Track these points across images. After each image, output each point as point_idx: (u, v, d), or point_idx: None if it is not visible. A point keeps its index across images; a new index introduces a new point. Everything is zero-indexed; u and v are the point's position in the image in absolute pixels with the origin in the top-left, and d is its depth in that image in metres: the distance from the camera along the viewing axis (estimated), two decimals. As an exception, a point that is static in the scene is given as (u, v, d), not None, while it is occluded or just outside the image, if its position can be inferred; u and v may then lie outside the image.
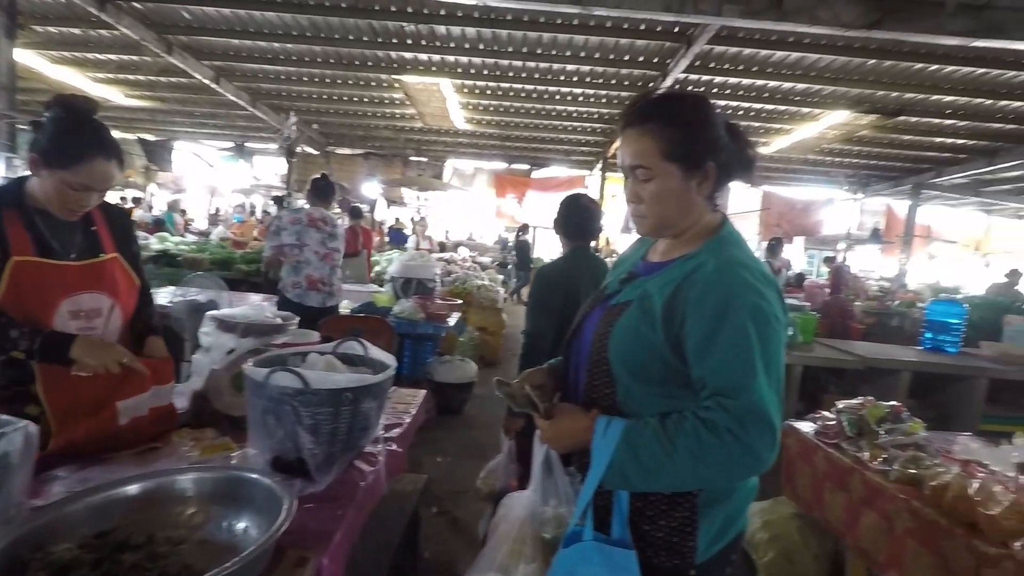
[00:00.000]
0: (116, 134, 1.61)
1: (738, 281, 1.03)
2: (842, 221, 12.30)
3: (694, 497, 1.08)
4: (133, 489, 1.16)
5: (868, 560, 1.84)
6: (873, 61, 5.74)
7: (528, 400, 1.18)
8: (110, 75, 8.31)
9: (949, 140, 8.43)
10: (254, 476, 1.22)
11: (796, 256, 13.76)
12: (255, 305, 1.98)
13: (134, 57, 7.30)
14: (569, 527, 1.12)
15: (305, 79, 7.94)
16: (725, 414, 0.97)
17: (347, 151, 12.70)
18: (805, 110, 7.45)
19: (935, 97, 6.60)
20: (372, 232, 9.49)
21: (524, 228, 12.31)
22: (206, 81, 7.64)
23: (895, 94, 6.61)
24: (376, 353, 1.74)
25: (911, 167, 10.49)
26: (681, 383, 1.07)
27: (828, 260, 11.58)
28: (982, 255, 14.23)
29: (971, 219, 14.11)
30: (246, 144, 12.39)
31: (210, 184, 15.19)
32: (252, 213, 14.93)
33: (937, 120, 7.44)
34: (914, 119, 7.45)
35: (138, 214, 11.55)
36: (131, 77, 8.31)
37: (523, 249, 11.97)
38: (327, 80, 7.91)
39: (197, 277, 3.34)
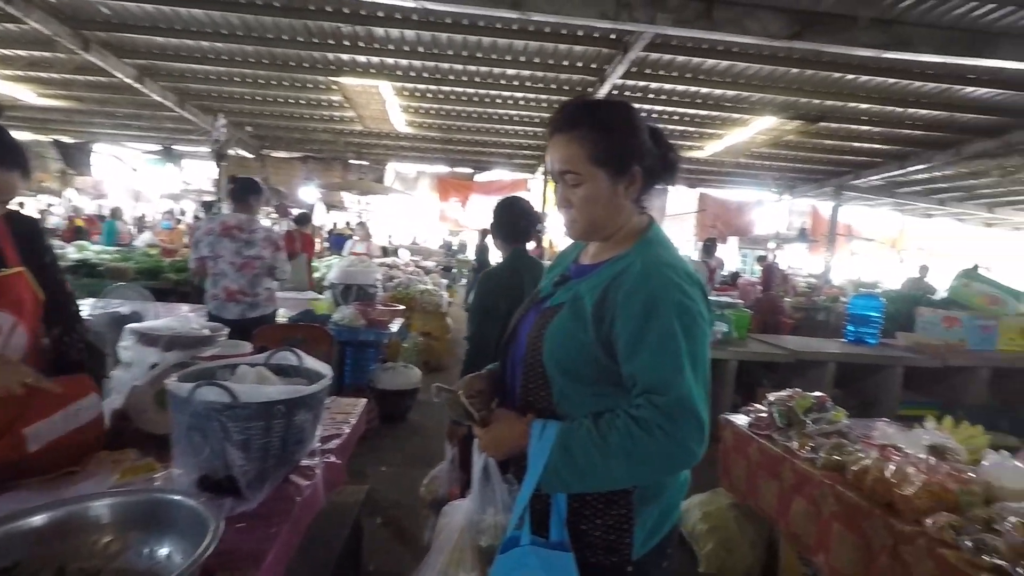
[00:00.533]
0: (28, 136, 1.51)
1: (664, 280, 1.06)
2: (772, 221, 12.91)
3: (629, 495, 1.10)
4: (40, 519, 1.08)
5: (799, 544, 1.93)
6: (796, 70, 6.05)
7: (463, 409, 1.18)
8: (20, 72, 7.73)
9: (866, 145, 8.99)
10: (177, 498, 1.16)
11: (730, 255, 14.33)
12: (180, 317, 1.88)
13: (46, 53, 6.80)
14: (507, 533, 1.12)
15: (237, 79, 7.64)
16: (655, 411, 1.00)
17: (284, 154, 12.30)
18: (736, 116, 7.76)
19: (852, 104, 7.02)
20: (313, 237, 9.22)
21: (485, 232, 12.28)
22: (128, 80, 7.23)
23: (816, 101, 6.98)
24: (311, 363, 1.68)
25: (832, 170, 11.13)
26: (613, 381, 1.09)
27: (760, 259, 12.12)
28: (897, 252, 15.28)
29: (887, 218, 15.11)
30: (174, 147, 11.80)
31: (134, 189, 14.38)
32: (180, 220, 14.22)
33: (855, 126, 7.92)
34: (834, 125, 7.90)
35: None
36: (44, 75, 7.75)
37: (484, 253, 11.92)
38: (261, 81, 7.64)
39: (119, 288, 3.15)
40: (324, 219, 13.69)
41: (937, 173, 10.21)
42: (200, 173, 13.63)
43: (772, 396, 2.25)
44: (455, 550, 1.16)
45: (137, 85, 7.40)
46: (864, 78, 6.15)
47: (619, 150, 1.12)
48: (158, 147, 11.90)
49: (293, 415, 1.39)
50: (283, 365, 1.67)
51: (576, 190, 1.14)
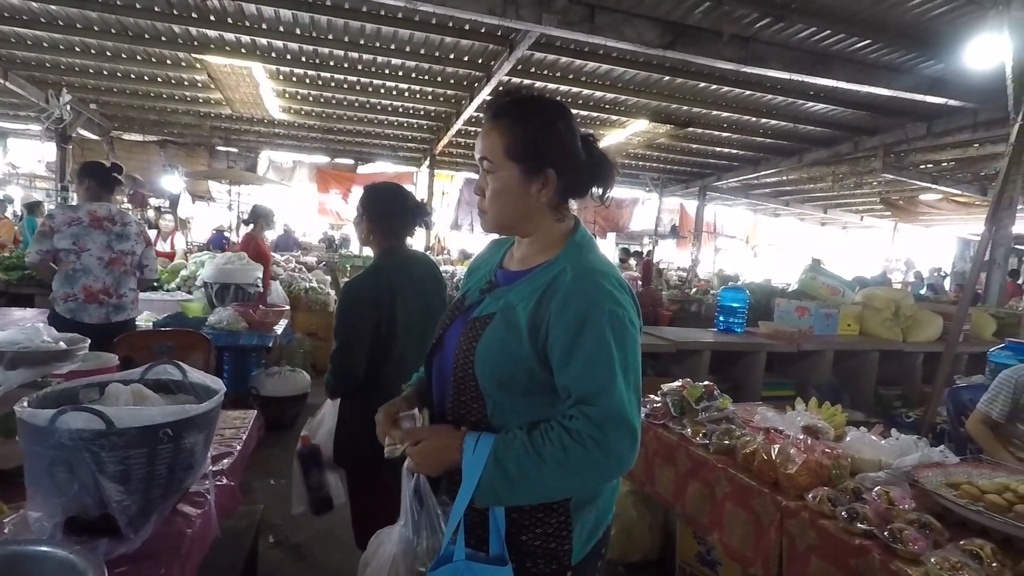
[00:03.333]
0: None
1: (595, 289, 1.05)
2: (647, 218, 13.80)
3: (567, 502, 1.10)
4: None
5: (695, 525, 2.08)
6: (668, 78, 6.51)
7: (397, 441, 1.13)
8: None
9: (726, 150, 9.91)
10: (40, 549, 0.98)
11: (609, 251, 15.12)
12: (28, 328, 1.58)
13: None
14: (440, 550, 1.08)
15: (78, 49, 6.68)
16: (587, 421, 1.00)
17: (137, 137, 10.99)
18: (614, 118, 8.19)
19: (715, 112, 7.70)
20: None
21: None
22: (-71, 42, 6.07)
23: (685, 108, 7.57)
24: (197, 376, 1.50)
25: (698, 172, 12.14)
26: (547, 390, 1.08)
27: (636, 254, 12.90)
28: (751, 247, 17.04)
29: (743, 217, 16.81)
30: (-5, 124, 10.10)
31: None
32: (7, 209, 12.16)
33: (717, 132, 8.70)
34: (700, 130, 8.62)
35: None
36: None
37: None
38: (108, 53, 6.74)
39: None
40: (190, 210, 12.42)
41: (783, 177, 11.51)
42: (28, 155, 11.75)
43: (666, 387, 2.39)
44: (389, 578, 1.10)
45: (-58, 48, 6.23)
46: (725, 89, 6.77)
47: (534, 148, 1.09)
48: (-29, 122, 10.11)
49: (182, 438, 1.23)
50: (163, 380, 1.48)
51: (489, 179, 1.13)
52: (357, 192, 12.18)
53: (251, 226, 5.67)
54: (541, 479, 1.01)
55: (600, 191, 1.18)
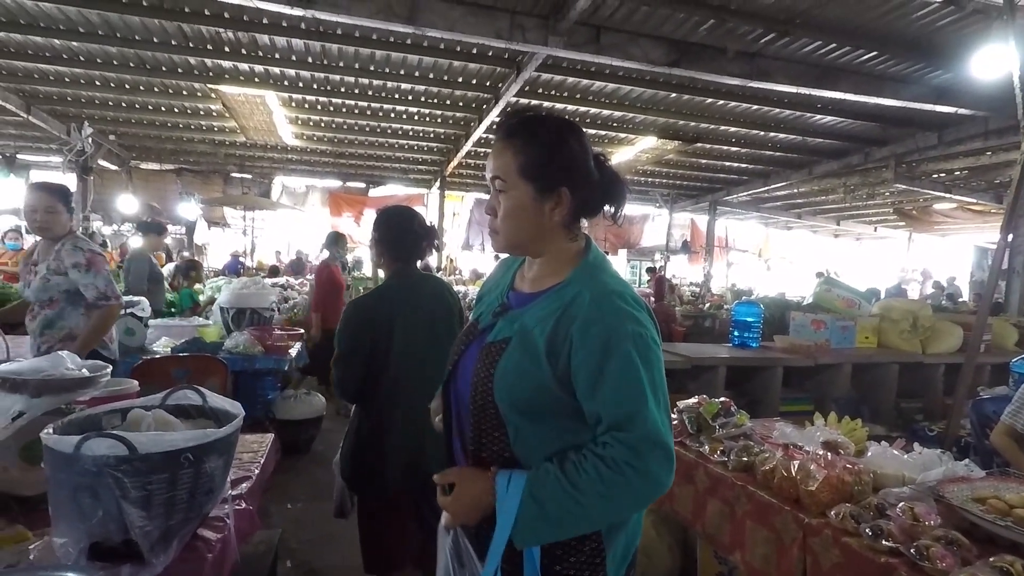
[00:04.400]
0: None
1: (616, 311, 1.03)
2: (658, 234, 13.79)
3: (599, 530, 1.08)
4: None
5: (716, 544, 2.04)
6: (674, 95, 6.56)
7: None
8: None
9: (735, 164, 9.92)
10: (67, 575, 0.99)
11: (621, 267, 15.10)
12: (51, 356, 1.62)
13: None
14: None
15: (98, 83, 6.88)
16: (623, 447, 0.98)
17: (154, 166, 11.24)
18: (622, 135, 8.24)
19: (723, 128, 7.73)
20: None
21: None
22: (-43, 80, 6.28)
23: (693, 124, 7.61)
24: (217, 401, 1.52)
25: (707, 187, 12.14)
26: (570, 414, 1.06)
27: (650, 270, 12.88)
28: (764, 261, 16.93)
29: (754, 230, 16.73)
30: (18, 156, 10.35)
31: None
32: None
33: (725, 147, 8.72)
34: (708, 146, 8.64)
35: None
36: None
37: None
38: (126, 86, 6.94)
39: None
40: (206, 236, 12.61)
41: (794, 190, 11.47)
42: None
43: (681, 404, 2.38)
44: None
45: (-31, 85, 6.44)
46: (732, 104, 6.79)
47: (547, 167, 1.08)
48: (-3, 156, 10.40)
49: (203, 463, 1.24)
50: (184, 405, 1.50)
51: (502, 199, 1.11)
52: (369, 215, 12.39)
53: (326, 253, 5.65)
54: (583, 513, 0.99)
55: (612, 210, 1.17)
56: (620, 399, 1.00)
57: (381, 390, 2.01)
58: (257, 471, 1.83)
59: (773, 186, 10.68)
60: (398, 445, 1.98)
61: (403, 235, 2.10)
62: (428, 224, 2.22)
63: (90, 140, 6.83)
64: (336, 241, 5.66)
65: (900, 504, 1.54)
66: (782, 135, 7.95)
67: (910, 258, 15.37)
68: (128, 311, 3.63)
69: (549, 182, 1.09)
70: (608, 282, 1.10)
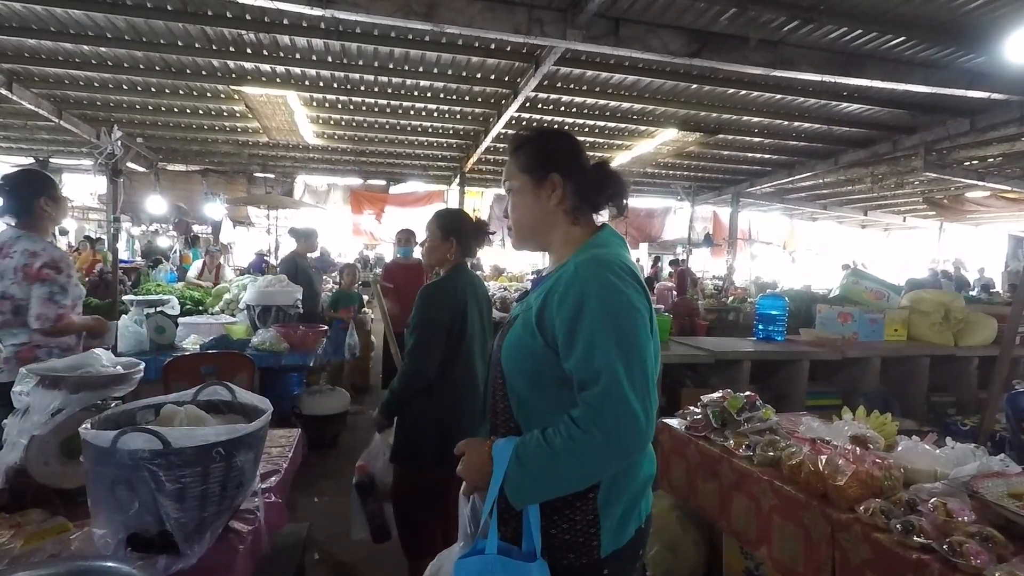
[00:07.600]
0: None
1: (595, 275, 1.10)
2: (680, 227, 13.62)
3: (594, 497, 1.13)
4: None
5: (742, 539, 2.02)
6: (695, 86, 6.46)
7: None
8: None
9: (758, 155, 9.74)
10: (107, 565, 1.02)
11: (642, 260, 14.97)
12: (87, 354, 1.67)
13: None
14: (473, 543, 1.14)
15: (125, 87, 7.05)
16: (586, 407, 1.04)
17: (180, 167, 11.47)
18: (642, 128, 8.15)
19: (745, 118, 7.58)
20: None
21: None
22: (-7, 86, 6.48)
23: (714, 115, 7.49)
24: (246, 396, 1.56)
25: (730, 178, 11.95)
26: (565, 384, 1.12)
27: (673, 263, 12.74)
28: (789, 253, 16.62)
29: (778, 222, 16.43)
30: (51, 160, 10.65)
31: None
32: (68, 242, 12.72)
33: (748, 138, 8.56)
34: (730, 137, 8.50)
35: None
36: None
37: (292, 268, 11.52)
38: (153, 89, 7.09)
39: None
40: (231, 235, 12.83)
41: (819, 180, 11.23)
42: (81, 188, 12.36)
43: (705, 398, 2.35)
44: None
45: (4, 92, 6.63)
46: (755, 94, 6.67)
47: (539, 159, 1.26)
48: (31, 160, 10.70)
49: (233, 457, 1.28)
50: (214, 401, 1.54)
51: (511, 196, 1.30)
52: (390, 212, 12.45)
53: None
54: (558, 471, 1.05)
55: (616, 206, 1.30)
56: (588, 356, 1.05)
57: (455, 372, 2.17)
58: (285, 465, 1.87)
59: (798, 177, 10.46)
60: (479, 425, 2.05)
61: (476, 233, 2.39)
62: (481, 220, 2.56)
63: (120, 143, 7.03)
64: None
65: (932, 500, 1.51)
66: (807, 124, 7.78)
67: (941, 248, 14.97)
68: (158, 310, 3.73)
69: (542, 171, 1.25)
70: (597, 252, 1.17)
